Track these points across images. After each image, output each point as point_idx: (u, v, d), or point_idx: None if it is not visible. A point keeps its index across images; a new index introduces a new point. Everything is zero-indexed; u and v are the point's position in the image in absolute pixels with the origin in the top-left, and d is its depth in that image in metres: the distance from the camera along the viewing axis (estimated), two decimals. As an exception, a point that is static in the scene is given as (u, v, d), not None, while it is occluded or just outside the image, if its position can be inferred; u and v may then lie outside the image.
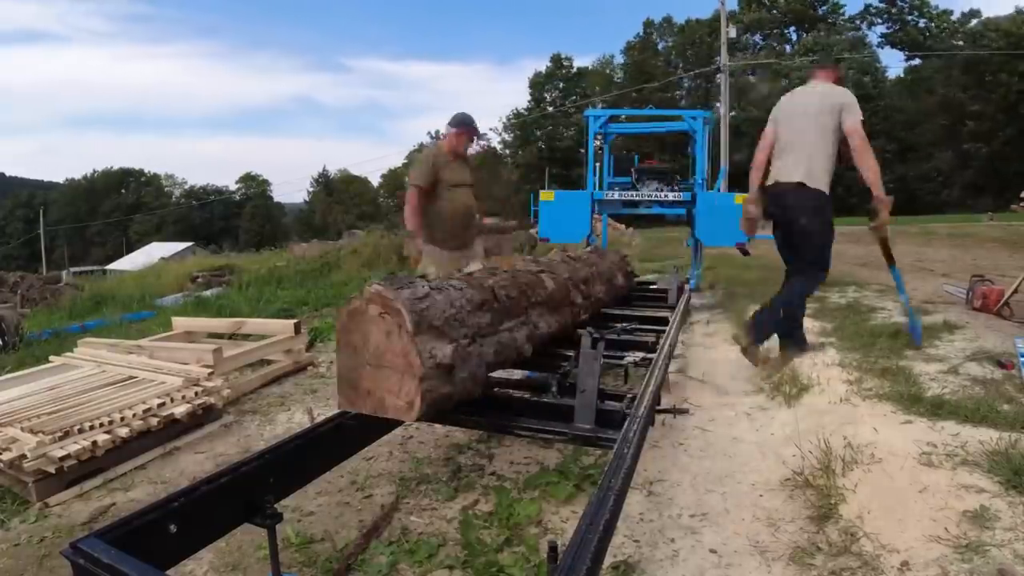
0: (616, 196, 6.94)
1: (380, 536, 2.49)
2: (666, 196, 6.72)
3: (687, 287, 6.23)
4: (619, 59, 55.33)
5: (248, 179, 75.25)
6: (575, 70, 56.89)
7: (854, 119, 3.61)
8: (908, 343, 3.18)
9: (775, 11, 47.33)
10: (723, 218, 6.23)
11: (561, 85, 56.55)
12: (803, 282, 3.76)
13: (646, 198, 6.79)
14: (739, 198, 6.13)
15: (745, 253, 7.02)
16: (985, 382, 3.34)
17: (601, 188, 7.37)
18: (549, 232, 6.76)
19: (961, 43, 38.62)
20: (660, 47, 53.59)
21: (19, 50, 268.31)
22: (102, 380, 3.84)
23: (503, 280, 2.73)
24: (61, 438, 2.95)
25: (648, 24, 54.32)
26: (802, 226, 3.67)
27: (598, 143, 7.95)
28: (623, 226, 19.44)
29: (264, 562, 2.21)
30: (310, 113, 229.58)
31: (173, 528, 1.65)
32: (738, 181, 8.50)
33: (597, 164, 7.56)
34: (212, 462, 3.29)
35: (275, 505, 1.91)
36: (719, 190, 7.33)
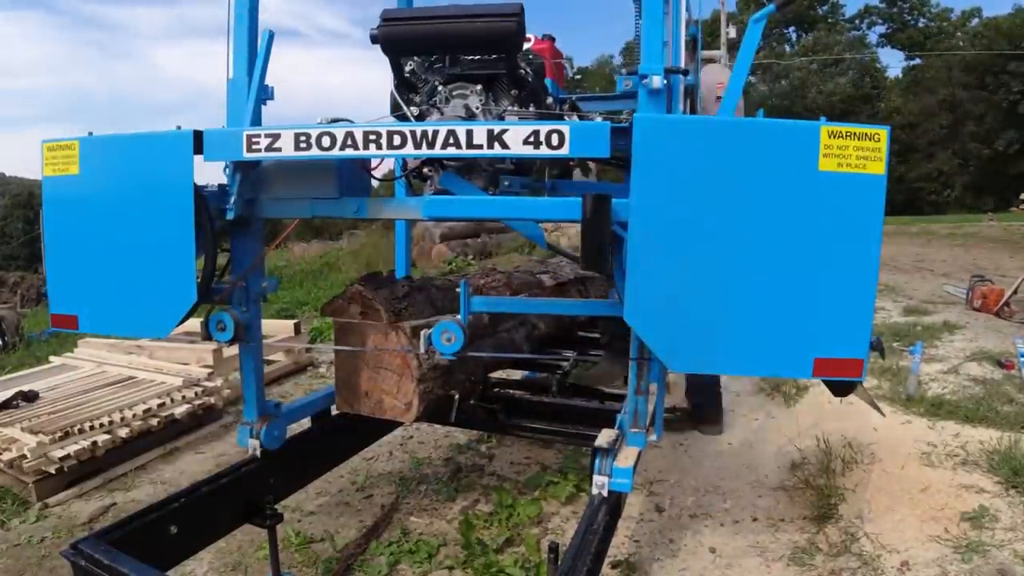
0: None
1: (380, 536, 2.49)
2: None
3: None
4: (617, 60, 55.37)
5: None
6: (576, 70, 56.90)
7: None
8: (904, 389, 3.29)
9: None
10: None
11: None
12: None
13: None
14: None
15: None
16: (985, 382, 3.34)
17: None
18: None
19: (961, 44, 38.56)
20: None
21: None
22: (102, 380, 3.83)
23: (495, 281, 2.73)
24: (61, 438, 2.95)
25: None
26: None
27: None
28: None
29: (264, 562, 2.21)
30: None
31: (173, 529, 1.65)
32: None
33: None
34: (212, 462, 3.29)
35: (275, 505, 1.92)
36: None
